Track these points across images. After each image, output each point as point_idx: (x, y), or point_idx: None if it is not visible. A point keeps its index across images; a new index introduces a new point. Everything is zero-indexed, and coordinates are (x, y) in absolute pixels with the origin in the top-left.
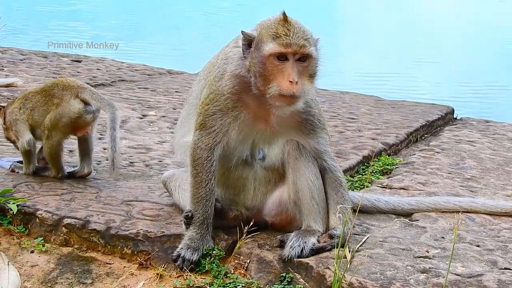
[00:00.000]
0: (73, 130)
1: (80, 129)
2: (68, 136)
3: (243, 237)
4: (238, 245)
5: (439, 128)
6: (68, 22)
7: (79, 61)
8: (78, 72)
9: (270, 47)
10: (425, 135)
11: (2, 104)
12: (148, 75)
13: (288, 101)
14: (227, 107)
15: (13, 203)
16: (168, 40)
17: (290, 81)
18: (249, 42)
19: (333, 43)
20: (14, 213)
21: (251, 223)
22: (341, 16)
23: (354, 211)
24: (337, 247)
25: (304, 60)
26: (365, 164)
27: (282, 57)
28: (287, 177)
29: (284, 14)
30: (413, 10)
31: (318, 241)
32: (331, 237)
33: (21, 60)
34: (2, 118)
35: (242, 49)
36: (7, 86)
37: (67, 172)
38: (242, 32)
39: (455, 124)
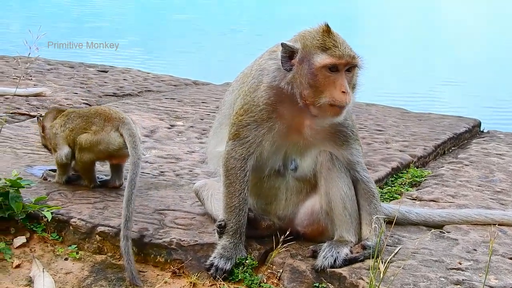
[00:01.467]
0: (109, 158)
1: (117, 159)
2: (103, 161)
3: (278, 247)
4: (273, 254)
5: (466, 141)
6: (92, 38)
7: (106, 71)
8: (105, 82)
9: (322, 58)
10: (453, 148)
11: (35, 114)
12: (174, 85)
13: (337, 112)
14: (262, 118)
15: (47, 211)
16: (192, 51)
17: (343, 92)
18: (290, 54)
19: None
20: (48, 221)
21: (287, 233)
22: (363, 27)
23: (387, 222)
24: (372, 258)
25: (351, 70)
26: (394, 176)
27: (333, 68)
28: (319, 187)
29: (327, 25)
30: (437, 20)
31: (351, 252)
32: (364, 248)
33: (48, 70)
34: (40, 127)
35: (282, 61)
36: (36, 95)
37: (99, 181)
38: (283, 44)
39: (483, 137)
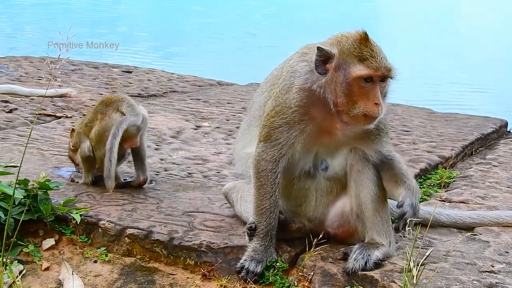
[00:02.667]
0: (122, 144)
1: (128, 141)
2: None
3: (311, 250)
4: (306, 257)
5: (493, 142)
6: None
7: (130, 72)
8: (129, 83)
9: (359, 69)
10: (480, 148)
11: (60, 115)
12: (199, 86)
13: (369, 121)
14: (294, 120)
15: (76, 213)
16: (215, 51)
17: (376, 103)
18: (326, 58)
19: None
20: (77, 223)
21: (321, 236)
22: (385, 27)
23: (415, 224)
24: (409, 262)
25: (384, 81)
26: (422, 177)
27: (369, 79)
28: (349, 189)
29: (365, 33)
30: (461, 20)
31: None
32: (403, 213)
33: (73, 70)
34: (71, 138)
35: (316, 64)
36: (61, 96)
37: (125, 183)
38: (319, 48)
39: (510, 138)
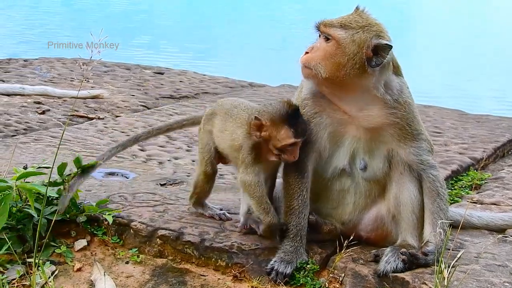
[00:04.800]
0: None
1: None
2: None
3: (342, 251)
4: (337, 259)
5: None
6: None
7: (162, 73)
8: (161, 84)
9: None
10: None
11: (93, 116)
12: (230, 87)
13: (301, 71)
14: (309, 113)
15: (108, 214)
16: (247, 53)
17: (306, 52)
18: None
19: (412, 55)
20: (109, 224)
21: (351, 237)
22: (419, 28)
23: (452, 227)
24: (434, 262)
25: (327, 40)
26: (454, 178)
27: (319, 34)
28: (389, 190)
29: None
30: (493, 19)
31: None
32: (425, 254)
33: (105, 72)
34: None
35: None
36: (94, 97)
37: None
38: None
39: None
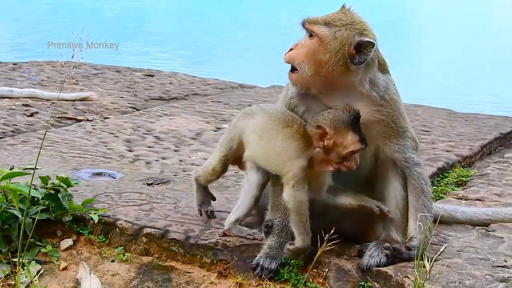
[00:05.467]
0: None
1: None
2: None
3: (323, 245)
4: (318, 252)
5: None
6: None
7: (152, 76)
8: (151, 86)
9: None
10: (499, 148)
11: (81, 118)
12: (221, 89)
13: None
14: (296, 112)
15: (94, 213)
16: (239, 55)
17: (290, 48)
18: None
19: (403, 54)
20: (95, 223)
21: (332, 231)
22: (411, 27)
23: (434, 221)
24: (416, 257)
25: (311, 36)
26: (440, 175)
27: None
28: (374, 185)
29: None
30: (486, 17)
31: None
32: (409, 249)
33: (95, 74)
34: None
35: None
36: (83, 100)
37: None
38: None
39: None
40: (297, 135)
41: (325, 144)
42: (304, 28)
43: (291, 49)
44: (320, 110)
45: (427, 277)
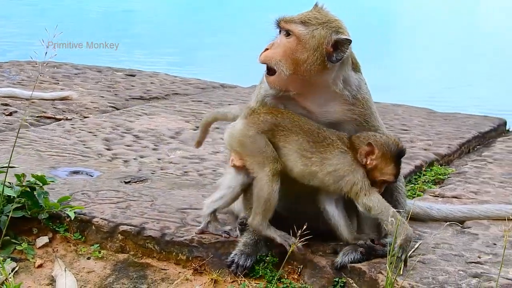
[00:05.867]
0: None
1: None
2: None
3: (296, 241)
4: (290, 249)
5: (491, 140)
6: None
7: (133, 75)
8: (132, 86)
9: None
10: (478, 146)
11: (60, 117)
12: (202, 88)
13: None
14: None
15: (70, 211)
16: (221, 55)
17: (266, 48)
18: None
19: (385, 54)
20: (71, 220)
21: (304, 227)
22: (394, 27)
23: (409, 218)
24: (388, 253)
25: (288, 35)
26: (417, 173)
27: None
28: None
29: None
30: (466, 18)
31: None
32: (383, 245)
33: (76, 74)
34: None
35: None
36: (62, 99)
37: None
38: None
39: (508, 136)
40: (346, 150)
41: (367, 162)
42: (279, 27)
43: (267, 49)
44: (295, 110)
45: (399, 272)
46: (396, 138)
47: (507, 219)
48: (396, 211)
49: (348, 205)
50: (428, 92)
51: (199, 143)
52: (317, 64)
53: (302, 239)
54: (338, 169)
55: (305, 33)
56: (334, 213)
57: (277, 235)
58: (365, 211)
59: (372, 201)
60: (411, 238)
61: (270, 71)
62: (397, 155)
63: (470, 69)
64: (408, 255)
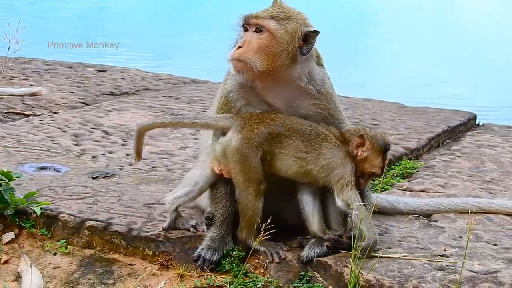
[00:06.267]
0: None
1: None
2: None
3: (260, 235)
4: (255, 242)
5: (461, 134)
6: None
7: (104, 71)
8: (102, 82)
9: (240, 18)
10: (447, 141)
11: (29, 113)
12: (173, 84)
13: (233, 66)
14: (236, 106)
15: (37, 206)
16: (194, 49)
17: (238, 46)
18: None
19: (358, 51)
20: (38, 216)
21: (268, 221)
22: (367, 22)
23: (377, 212)
24: (354, 246)
25: (259, 32)
26: (386, 168)
27: (245, 28)
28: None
29: None
30: (439, 14)
31: (338, 242)
32: (349, 239)
33: (46, 70)
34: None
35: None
36: (32, 95)
37: None
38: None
39: (477, 130)
40: (339, 144)
41: (358, 153)
42: (248, 24)
43: (239, 47)
44: (260, 104)
45: (362, 266)
46: (382, 133)
47: (470, 212)
48: (364, 204)
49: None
50: (401, 88)
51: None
52: (290, 58)
53: (266, 233)
54: (331, 162)
55: (277, 28)
56: (310, 203)
57: (266, 249)
58: (343, 205)
59: (352, 197)
60: (376, 244)
61: (242, 68)
62: (384, 148)
63: (445, 66)
64: (371, 246)
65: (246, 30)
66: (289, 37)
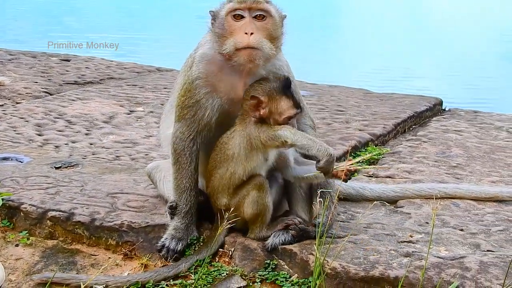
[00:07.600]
0: None
1: None
2: None
3: (223, 223)
4: (219, 231)
5: (427, 119)
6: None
7: (68, 60)
8: (66, 71)
9: (227, 6)
10: (413, 126)
11: None
12: (137, 72)
13: (248, 55)
14: (200, 94)
15: None
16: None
17: (245, 33)
18: (214, 17)
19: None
20: None
21: (231, 209)
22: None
23: (342, 199)
24: (318, 233)
25: (260, 18)
26: (352, 154)
27: (238, 15)
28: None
29: None
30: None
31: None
32: (315, 227)
33: (9, 60)
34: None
35: (209, 27)
36: None
37: None
38: (210, 11)
39: (443, 115)
40: (235, 129)
41: (261, 113)
42: (250, 10)
43: (252, 33)
44: (226, 94)
45: (327, 252)
46: (277, 76)
47: (436, 198)
48: (326, 190)
49: (283, 189)
50: (368, 76)
51: None
52: (282, 43)
53: (230, 222)
54: (240, 142)
55: (275, 11)
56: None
57: (279, 226)
58: (286, 147)
59: (282, 134)
60: (332, 159)
61: (256, 56)
62: (283, 88)
63: (412, 55)
64: (338, 235)
65: (239, 19)
66: (280, 20)
